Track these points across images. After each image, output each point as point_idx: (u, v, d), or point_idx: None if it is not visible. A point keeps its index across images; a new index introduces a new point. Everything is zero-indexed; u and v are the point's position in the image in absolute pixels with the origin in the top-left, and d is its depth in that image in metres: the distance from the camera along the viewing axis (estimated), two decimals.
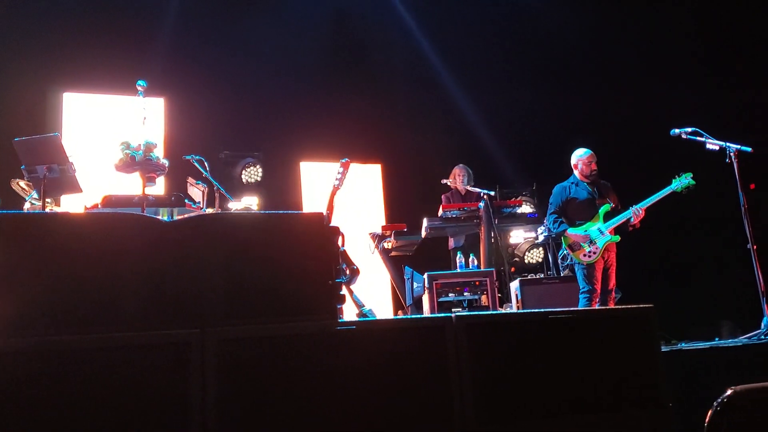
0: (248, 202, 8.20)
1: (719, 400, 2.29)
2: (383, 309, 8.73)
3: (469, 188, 7.75)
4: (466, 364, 3.11)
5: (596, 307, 6.02)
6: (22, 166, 4.96)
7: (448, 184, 7.87)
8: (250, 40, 9.01)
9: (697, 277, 8.66)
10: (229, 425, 2.77)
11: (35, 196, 5.26)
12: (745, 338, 5.27)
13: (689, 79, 9.05)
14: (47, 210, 5.03)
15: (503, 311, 6.88)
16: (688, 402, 3.60)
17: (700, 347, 4.55)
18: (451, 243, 7.76)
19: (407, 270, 7.37)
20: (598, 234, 6.21)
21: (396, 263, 7.73)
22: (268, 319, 2.99)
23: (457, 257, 7.18)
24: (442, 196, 7.84)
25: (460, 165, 7.99)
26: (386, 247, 7.61)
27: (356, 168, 6.91)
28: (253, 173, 8.99)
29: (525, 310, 6.40)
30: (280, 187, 9.41)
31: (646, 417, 3.23)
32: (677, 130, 6.01)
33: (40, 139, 4.96)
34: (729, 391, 2.30)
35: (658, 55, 9.34)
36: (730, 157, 5.67)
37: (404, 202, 9.61)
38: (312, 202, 9.32)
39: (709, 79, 9.02)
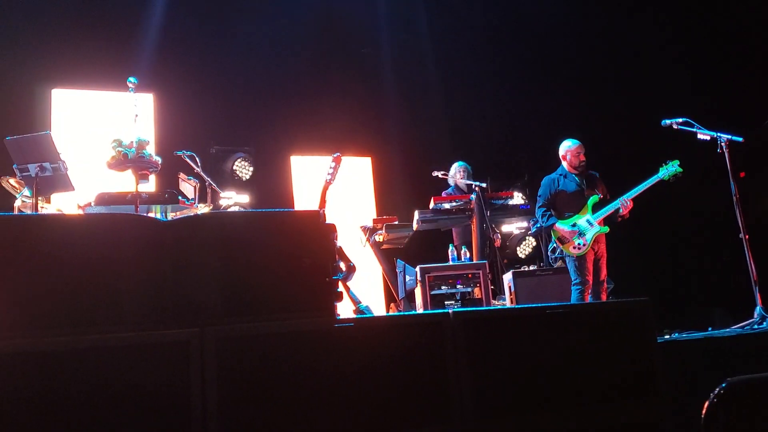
0: (239, 199, 8.17)
1: (716, 391, 2.31)
2: (375, 302, 8.73)
3: (465, 181, 7.73)
4: (464, 360, 3.13)
5: (589, 298, 6.05)
6: (14, 165, 4.92)
7: (443, 176, 7.85)
8: (240, 34, 8.96)
9: (689, 267, 8.71)
10: (230, 422, 2.78)
11: (26, 193, 5.22)
12: (738, 328, 5.29)
13: (680, 69, 9.07)
14: (39, 208, 5.00)
15: (497, 304, 6.89)
16: (683, 393, 3.63)
17: (695, 337, 4.59)
18: (456, 239, 7.74)
19: (399, 263, 7.36)
20: (586, 226, 6.24)
21: (387, 256, 7.73)
22: (267, 317, 2.99)
23: (449, 250, 7.17)
24: (443, 193, 7.77)
25: (461, 162, 7.97)
26: (377, 240, 7.59)
27: (347, 161, 6.90)
28: (244, 168, 8.97)
29: (522, 305, 6.42)
30: (271, 181, 9.38)
31: (644, 409, 3.26)
32: (668, 121, 6.03)
33: (31, 138, 4.92)
34: (725, 383, 2.32)
35: (648, 46, 9.36)
36: (722, 147, 5.68)
37: (395, 195, 9.61)
38: (303, 196, 9.30)
39: (700, 69, 9.04)
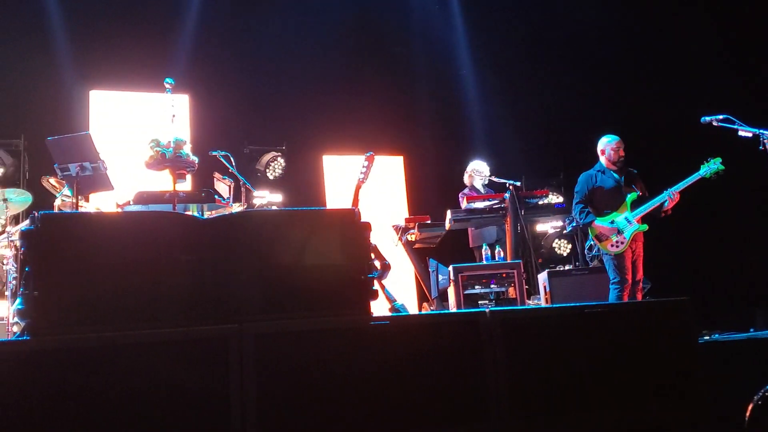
0: (272, 198, 8.24)
1: (760, 393, 2.27)
2: (408, 301, 8.70)
3: (494, 179, 7.65)
4: (501, 358, 3.11)
5: (626, 297, 5.95)
6: (55, 164, 5.01)
7: (470, 175, 7.80)
8: (273, 34, 9.03)
9: (730, 266, 8.54)
10: (267, 417, 2.80)
11: (66, 192, 5.31)
12: None
13: (719, 65, 8.90)
14: (78, 206, 5.08)
15: (533, 304, 6.82)
16: (724, 394, 3.55)
17: (736, 339, 4.50)
18: (471, 241, 7.67)
19: (432, 262, 7.33)
20: (625, 223, 6.14)
21: (420, 255, 7.70)
22: (303, 314, 3.01)
23: (483, 249, 7.11)
24: (459, 195, 7.70)
25: (476, 162, 7.89)
26: (410, 239, 7.55)
27: (378, 160, 6.87)
28: (276, 167, 9.05)
29: (560, 305, 6.35)
30: (304, 180, 9.44)
31: (684, 410, 3.20)
32: (708, 118, 5.90)
33: (72, 138, 5.01)
34: None
35: (687, 41, 9.19)
36: (764, 144, 5.55)
37: (427, 194, 9.58)
38: (335, 195, 9.33)
39: (740, 65, 8.86)
